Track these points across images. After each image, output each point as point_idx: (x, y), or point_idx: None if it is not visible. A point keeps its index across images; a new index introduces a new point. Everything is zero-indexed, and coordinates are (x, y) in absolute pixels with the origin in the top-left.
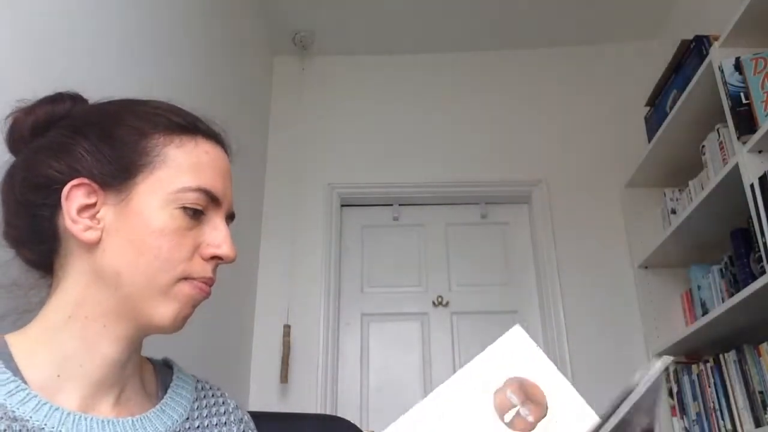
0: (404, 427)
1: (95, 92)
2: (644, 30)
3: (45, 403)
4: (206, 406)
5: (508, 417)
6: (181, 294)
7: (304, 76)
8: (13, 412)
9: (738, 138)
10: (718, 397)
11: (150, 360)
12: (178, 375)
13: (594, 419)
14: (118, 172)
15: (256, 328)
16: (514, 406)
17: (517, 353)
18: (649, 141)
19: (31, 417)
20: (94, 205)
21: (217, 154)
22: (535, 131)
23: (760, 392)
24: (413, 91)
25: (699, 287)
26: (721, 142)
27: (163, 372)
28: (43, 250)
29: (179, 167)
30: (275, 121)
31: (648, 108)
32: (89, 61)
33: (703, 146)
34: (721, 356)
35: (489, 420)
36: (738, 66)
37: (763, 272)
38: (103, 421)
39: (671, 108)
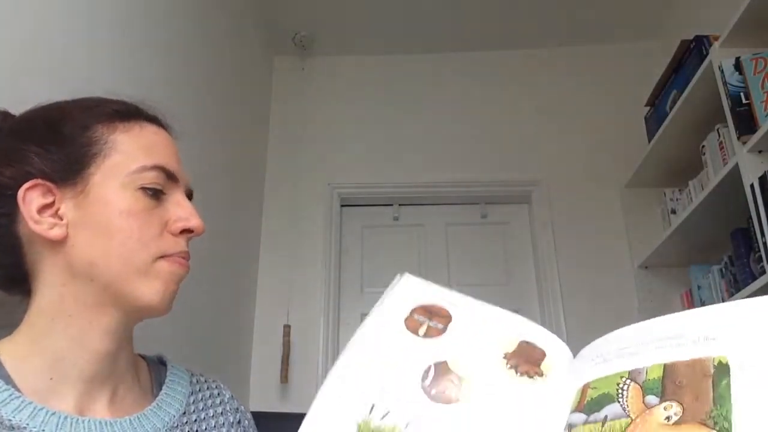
0: (334, 384)
1: (93, 93)
2: (644, 30)
3: (41, 409)
4: (202, 399)
5: (421, 332)
6: (162, 272)
7: (304, 76)
8: (9, 420)
9: (738, 138)
10: None
11: (144, 357)
12: (172, 370)
13: (494, 311)
14: (70, 166)
15: (256, 328)
16: (423, 323)
17: (412, 291)
18: (649, 141)
19: (27, 424)
20: (52, 203)
21: (163, 136)
22: (535, 131)
23: None
24: (413, 91)
25: (699, 287)
26: (721, 142)
27: (157, 368)
28: (9, 263)
29: (131, 150)
30: (275, 121)
31: (648, 108)
32: (87, 60)
33: (703, 146)
34: None
35: (407, 340)
36: (738, 66)
37: (763, 272)
38: (100, 422)
39: (671, 108)
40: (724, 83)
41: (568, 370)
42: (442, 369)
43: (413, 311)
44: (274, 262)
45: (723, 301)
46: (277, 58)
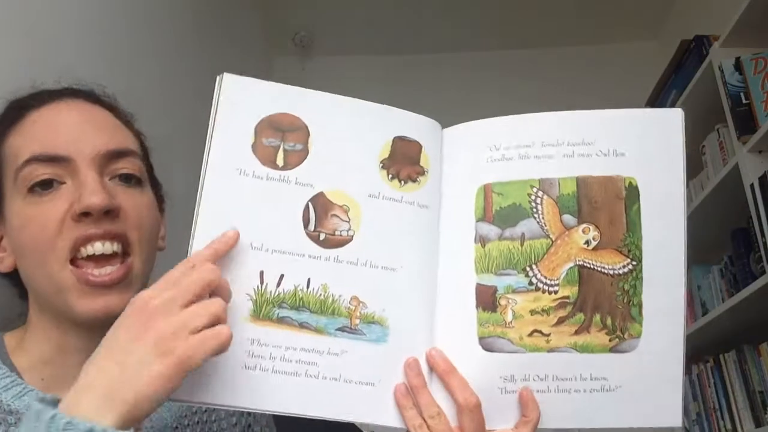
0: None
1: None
2: (644, 30)
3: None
4: None
5: (279, 160)
6: (73, 285)
7: (305, 76)
8: (9, 405)
9: (738, 138)
10: (718, 397)
11: None
12: None
13: (353, 107)
14: None
15: None
16: (277, 147)
17: (244, 98)
18: None
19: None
20: (2, 237)
21: (51, 113)
22: None
23: (760, 392)
24: (413, 92)
25: (699, 287)
26: (721, 142)
27: None
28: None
29: (13, 155)
30: None
31: (648, 108)
32: (85, 60)
33: (703, 146)
34: (721, 356)
35: (266, 179)
36: (738, 66)
37: (763, 272)
38: None
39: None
40: (724, 83)
41: (448, 153)
42: (321, 204)
43: (259, 132)
44: None
45: (723, 301)
46: (277, 59)
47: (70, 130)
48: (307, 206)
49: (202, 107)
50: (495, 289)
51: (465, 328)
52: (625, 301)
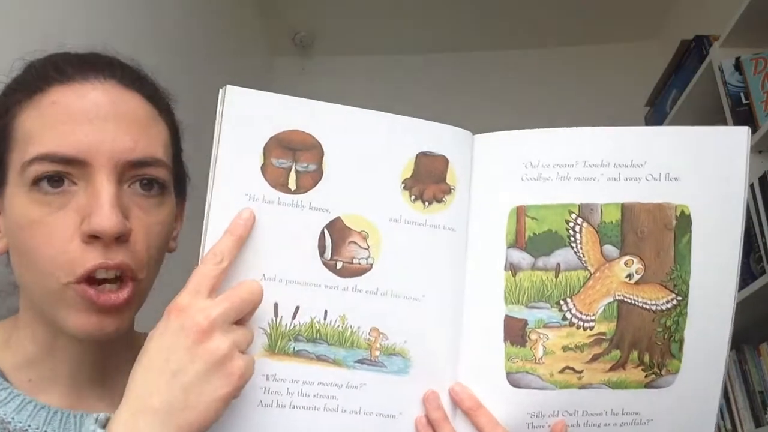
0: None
1: None
2: (644, 30)
3: (29, 402)
4: None
5: (291, 183)
6: (73, 302)
7: (304, 77)
8: None
9: None
10: None
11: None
12: None
13: (371, 120)
14: None
15: None
16: (288, 169)
17: (250, 115)
18: None
19: (13, 418)
20: None
21: (75, 96)
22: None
23: (760, 392)
24: (414, 92)
25: None
26: None
27: None
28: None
29: (25, 138)
30: None
31: (648, 108)
32: None
33: None
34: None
35: (278, 204)
36: (738, 66)
37: (763, 272)
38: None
39: (671, 108)
40: (724, 83)
41: (478, 167)
42: (337, 230)
43: (268, 152)
44: None
45: None
46: (277, 58)
47: (92, 127)
48: (322, 233)
49: (202, 107)
50: (525, 323)
51: (492, 362)
52: (665, 337)
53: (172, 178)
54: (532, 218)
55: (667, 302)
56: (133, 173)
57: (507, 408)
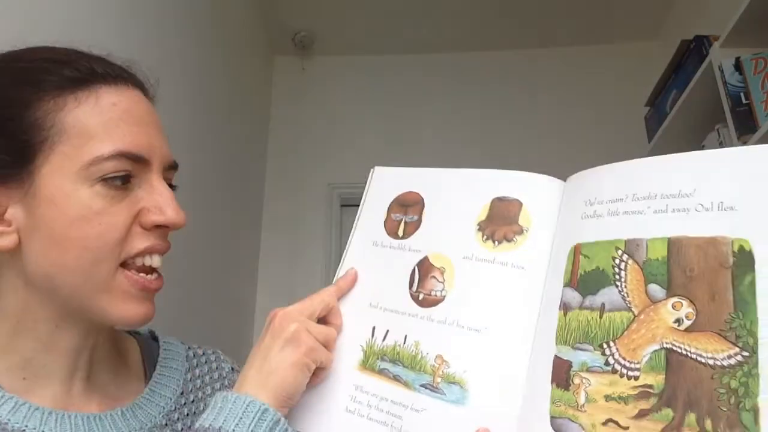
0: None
1: None
2: (644, 30)
3: (23, 404)
4: (200, 375)
5: (400, 232)
6: (124, 287)
7: (305, 76)
8: None
9: (738, 138)
10: None
11: (134, 333)
12: (165, 347)
13: (460, 175)
14: (12, 160)
15: (256, 328)
16: (400, 221)
17: (386, 185)
18: (649, 141)
19: (9, 420)
20: (5, 209)
21: (129, 101)
22: (535, 131)
23: None
24: (413, 91)
25: None
26: (721, 142)
27: (148, 345)
28: None
29: (83, 133)
30: (275, 121)
31: (648, 108)
32: None
33: (703, 146)
34: None
35: (389, 248)
36: (738, 66)
37: None
38: (88, 417)
39: (671, 108)
40: (724, 83)
41: (559, 211)
42: (425, 267)
43: (390, 210)
44: (275, 263)
45: None
46: (277, 58)
47: (146, 128)
48: (413, 269)
49: (202, 107)
50: (570, 365)
51: (538, 403)
52: (732, 402)
53: None
54: (585, 256)
55: (729, 357)
56: (165, 175)
57: None
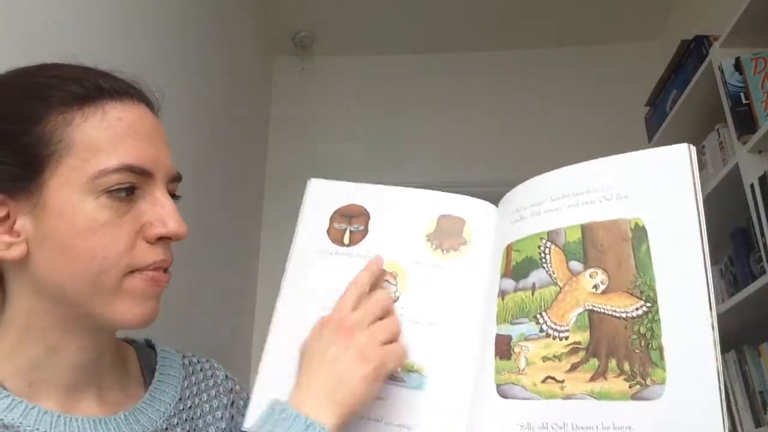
0: (283, 322)
1: None
2: (644, 30)
3: (33, 408)
4: (196, 382)
5: (346, 240)
6: (132, 290)
7: (304, 76)
8: (2, 420)
9: (738, 138)
10: None
11: (130, 342)
12: (162, 355)
13: (406, 193)
14: (21, 173)
15: (255, 330)
16: (344, 230)
17: (324, 197)
18: (649, 141)
19: (21, 423)
20: (7, 217)
21: (135, 116)
22: (535, 131)
23: (760, 392)
24: (414, 91)
25: None
26: (721, 142)
27: (146, 353)
28: None
29: (90, 147)
30: (275, 121)
31: (648, 108)
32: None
33: (703, 146)
34: (721, 356)
35: (335, 256)
36: (738, 66)
37: (763, 272)
38: (94, 420)
39: (671, 108)
40: (724, 83)
41: (495, 227)
42: None
43: (332, 220)
44: (275, 263)
45: (723, 301)
46: (277, 58)
47: (151, 142)
48: None
49: (202, 107)
50: (510, 338)
51: (486, 377)
52: (642, 344)
53: None
54: (516, 251)
55: (637, 309)
56: (169, 187)
57: (499, 419)
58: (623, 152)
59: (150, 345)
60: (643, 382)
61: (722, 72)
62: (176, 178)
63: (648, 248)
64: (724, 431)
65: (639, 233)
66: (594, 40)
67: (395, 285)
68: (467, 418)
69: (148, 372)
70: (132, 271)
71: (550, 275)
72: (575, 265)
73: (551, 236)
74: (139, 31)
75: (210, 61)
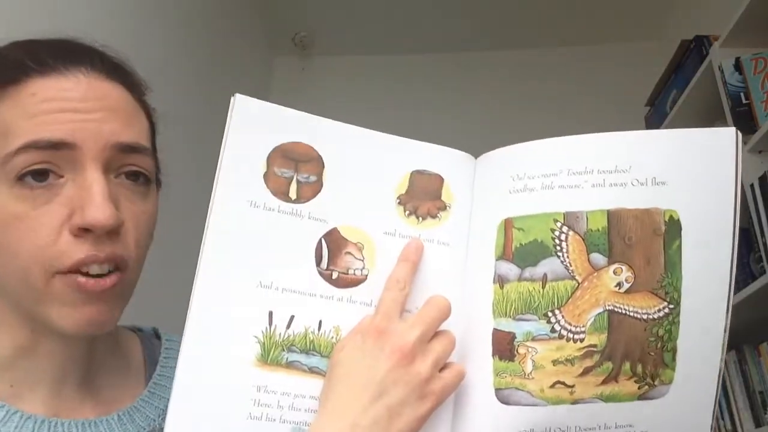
0: (208, 307)
1: None
2: (644, 30)
3: (15, 413)
4: None
5: (292, 193)
6: (60, 294)
7: (304, 76)
8: None
9: None
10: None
11: (136, 330)
12: (167, 345)
13: (370, 139)
14: None
15: None
16: (290, 178)
17: (256, 123)
18: None
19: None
20: None
21: (56, 87)
22: (535, 131)
23: (760, 392)
24: (414, 92)
25: None
26: None
27: (150, 343)
28: None
29: (5, 131)
30: None
31: (648, 108)
32: None
33: None
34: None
35: (278, 211)
36: (738, 66)
37: (763, 272)
38: (83, 424)
39: (671, 108)
40: (724, 83)
41: (477, 187)
42: (334, 241)
43: (271, 161)
44: None
45: None
46: (277, 58)
47: (77, 114)
48: (320, 242)
49: (201, 107)
50: (513, 336)
51: (480, 377)
52: (658, 346)
53: (155, 169)
54: (519, 229)
55: (659, 311)
56: (120, 162)
57: (496, 425)
58: None
59: (157, 335)
60: (652, 382)
61: (722, 72)
62: (126, 148)
63: (680, 245)
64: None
65: (673, 228)
66: (594, 40)
67: (362, 260)
68: (450, 422)
69: (151, 364)
70: (58, 272)
71: (567, 267)
72: (597, 258)
73: (569, 219)
74: (139, 31)
75: (210, 61)
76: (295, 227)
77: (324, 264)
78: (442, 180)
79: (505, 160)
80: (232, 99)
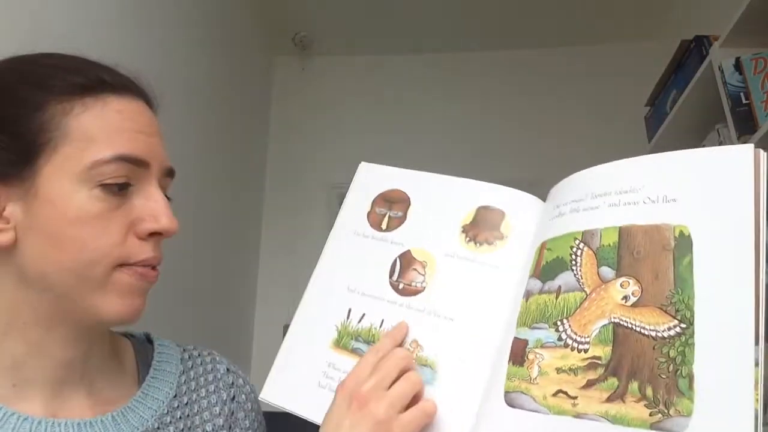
0: (312, 294)
1: None
2: (644, 30)
3: (12, 414)
4: (194, 377)
5: (384, 225)
6: (120, 284)
7: (304, 76)
8: None
9: (738, 138)
10: None
11: (128, 335)
12: (159, 350)
13: (450, 182)
14: (16, 159)
15: (256, 329)
16: (384, 215)
17: (371, 180)
18: (649, 141)
19: None
20: (4, 208)
21: (133, 109)
22: (535, 131)
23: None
24: (414, 91)
25: None
26: (721, 142)
27: (143, 348)
28: None
29: (87, 137)
30: (275, 121)
31: (648, 108)
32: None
33: (704, 146)
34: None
35: (372, 239)
36: (738, 66)
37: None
38: (78, 424)
39: (671, 108)
40: (724, 83)
41: (538, 223)
42: (406, 260)
43: (374, 203)
44: (274, 263)
45: None
46: (277, 58)
47: (147, 136)
48: (395, 260)
49: (202, 107)
50: (526, 343)
51: (496, 381)
52: (670, 369)
53: None
54: (549, 249)
55: (669, 329)
56: (164, 183)
57: (501, 427)
58: (623, 151)
59: (149, 340)
60: (666, 411)
61: (722, 72)
62: (170, 173)
63: (691, 261)
64: None
65: (683, 243)
66: (594, 40)
67: (423, 275)
68: (473, 421)
69: (144, 368)
70: (121, 266)
71: (578, 279)
72: (606, 271)
73: (585, 237)
74: (140, 31)
75: (210, 61)
76: (380, 249)
77: (395, 277)
78: (503, 214)
79: (554, 193)
80: (359, 165)
